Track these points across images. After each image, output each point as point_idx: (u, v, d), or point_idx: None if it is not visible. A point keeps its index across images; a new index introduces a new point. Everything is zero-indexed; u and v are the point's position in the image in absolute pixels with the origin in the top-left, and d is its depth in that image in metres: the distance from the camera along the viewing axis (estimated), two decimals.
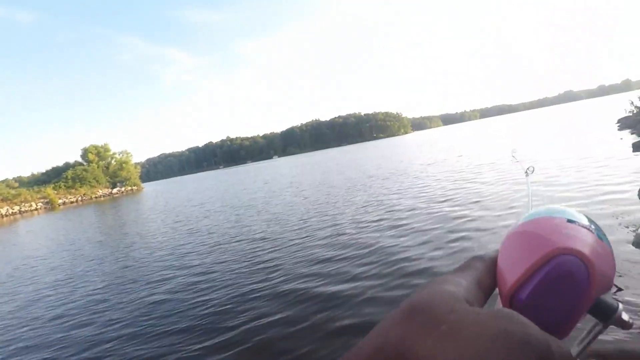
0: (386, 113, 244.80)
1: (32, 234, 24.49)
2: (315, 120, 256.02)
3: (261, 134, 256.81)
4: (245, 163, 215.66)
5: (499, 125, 75.90)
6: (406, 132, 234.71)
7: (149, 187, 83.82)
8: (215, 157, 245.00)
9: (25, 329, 6.55)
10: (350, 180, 20.75)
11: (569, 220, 0.29)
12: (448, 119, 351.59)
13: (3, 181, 68.08)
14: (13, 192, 60.01)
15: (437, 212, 8.63)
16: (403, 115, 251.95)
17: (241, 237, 10.71)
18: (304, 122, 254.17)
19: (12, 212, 55.85)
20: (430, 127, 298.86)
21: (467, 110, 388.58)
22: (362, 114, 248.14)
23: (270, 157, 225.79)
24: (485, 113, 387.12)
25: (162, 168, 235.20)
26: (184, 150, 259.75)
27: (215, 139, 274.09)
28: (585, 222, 0.29)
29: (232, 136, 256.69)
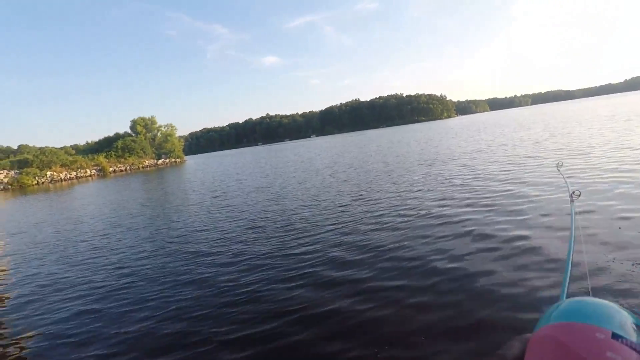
0: (429, 95, 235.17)
1: (88, 197, 26.20)
2: (355, 100, 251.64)
3: (300, 113, 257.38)
4: (283, 141, 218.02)
5: (551, 110, 70.54)
6: (449, 116, 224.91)
7: (191, 160, 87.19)
8: (254, 134, 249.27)
9: (92, 274, 7.17)
10: (396, 161, 20.16)
11: (615, 335, 0.24)
12: (496, 104, 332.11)
13: (62, 148, 73.28)
14: (70, 158, 64.57)
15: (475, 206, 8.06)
16: (447, 99, 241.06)
17: (277, 215, 10.61)
18: (343, 102, 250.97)
19: (69, 177, 60.28)
20: (477, 112, 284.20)
21: (518, 95, 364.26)
22: (404, 95, 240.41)
23: (308, 136, 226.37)
24: (538, 99, 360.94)
25: (204, 142, 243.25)
26: (224, 125, 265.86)
27: (255, 115, 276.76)
28: (634, 337, 0.22)
29: (272, 114, 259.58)
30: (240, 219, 10.37)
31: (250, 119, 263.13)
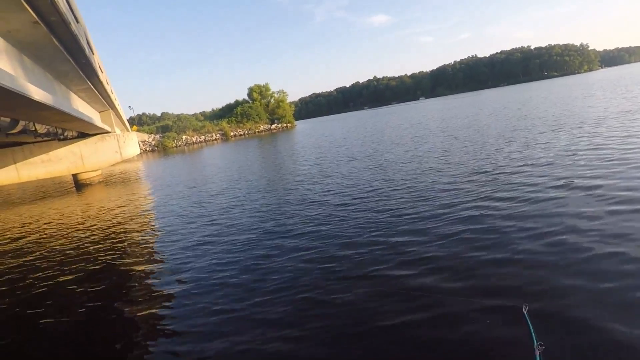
0: (565, 46, 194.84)
1: (217, 157, 28.68)
2: (472, 57, 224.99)
3: (409, 74, 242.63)
4: (389, 104, 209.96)
5: None
6: (590, 69, 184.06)
7: (300, 125, 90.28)
8: (360, 98, 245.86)
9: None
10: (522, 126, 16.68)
11: None
12: None
13: (193, 115, 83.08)
14: (200, 124, 72.81)
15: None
16: (590, 48, 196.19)
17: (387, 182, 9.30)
18: (457, 60, 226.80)
19: (199, 141, 68.21)
20: (630, 62, 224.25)
21: None
22: (532, 47, 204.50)
23: (416, 99, 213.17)
24: None
25: (312, 107, 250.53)
26: (332, 90, 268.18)
27: (362, 79, 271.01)
28: None
29: (379, 76, 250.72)
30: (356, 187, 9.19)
31: (357, 82, 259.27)
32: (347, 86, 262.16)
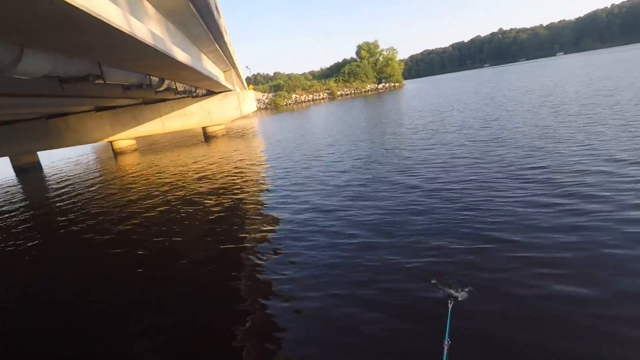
0: None
1: (323, 115, 29.63)
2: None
3: (545, 24, 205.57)
4: (516, 61, 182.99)
5: None
6: None
7: (409, 85, 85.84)
8: (480, 54, 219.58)
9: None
10: None
11: None
12: None
13: (302, 74, 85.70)
14: (309, 83, 75.04)
15: None
16: None
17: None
18: (616, 3, 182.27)
19: (307, 100, 70.76)
20: None
21: None
22: None
23: (552, 54, 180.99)
24: None
25: (423, 66, 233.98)
26: (447, 46, 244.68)
27: (484, 32, 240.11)
28: None
29: (505, 28, 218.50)
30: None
31: (478, 36, 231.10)
32: (465, 41, 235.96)
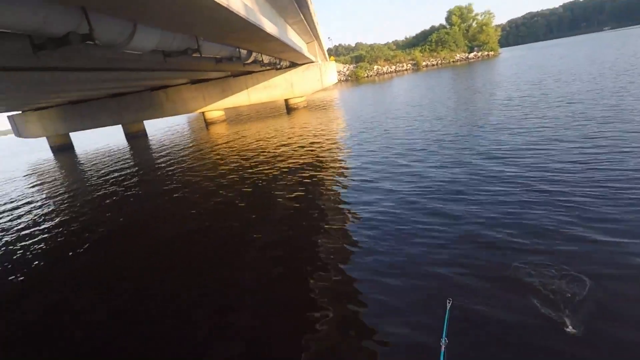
0: None
1: (403, 89, 28.36)
2: None
3: None
4: None
5: None
6: None
7: (506, 53, 76.95)
8: (600, 15, 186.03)
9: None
10: None
11: None
12: None
13: (385, 44, 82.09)
14: (392, 53, 71.72)
15: None
16: None
17: None
18: None
19: (390, 71, 67.98)
20: None
21: None
22: None
23: None
24: None
25: (524, 31, 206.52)
26: (556, 6, 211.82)
27: None
28: None
29: None
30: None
31: None
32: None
